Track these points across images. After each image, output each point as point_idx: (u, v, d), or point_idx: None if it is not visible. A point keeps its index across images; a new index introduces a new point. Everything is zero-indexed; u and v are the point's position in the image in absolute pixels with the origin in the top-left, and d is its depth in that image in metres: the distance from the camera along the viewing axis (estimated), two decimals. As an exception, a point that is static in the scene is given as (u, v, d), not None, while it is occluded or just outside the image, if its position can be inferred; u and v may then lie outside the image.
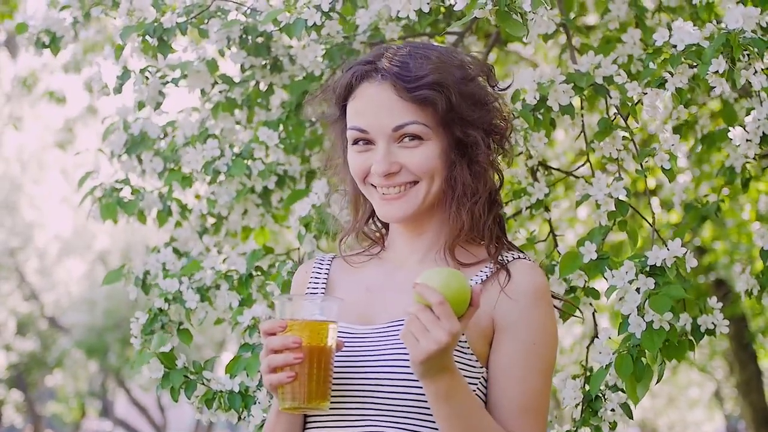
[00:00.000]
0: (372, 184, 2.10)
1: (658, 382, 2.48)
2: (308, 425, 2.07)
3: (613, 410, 2.48)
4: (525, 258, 2.10)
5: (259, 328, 1.96)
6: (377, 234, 2.22)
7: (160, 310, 2.88)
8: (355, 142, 2.09)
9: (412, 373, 1.95)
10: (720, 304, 2.60)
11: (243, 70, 3.04)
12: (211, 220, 3.25)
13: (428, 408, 1.97)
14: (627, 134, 2.68)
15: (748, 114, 2.82)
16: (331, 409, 1.99)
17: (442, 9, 2.75)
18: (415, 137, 2.06)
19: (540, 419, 2.01)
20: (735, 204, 6.15)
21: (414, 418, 1.99)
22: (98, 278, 16.94)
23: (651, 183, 5.75)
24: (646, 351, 2.41)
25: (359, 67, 2.09)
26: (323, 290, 2.16)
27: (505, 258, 2.09)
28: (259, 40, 2.97)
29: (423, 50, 2.10)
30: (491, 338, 2.03)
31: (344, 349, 2.02)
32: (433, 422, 1.98)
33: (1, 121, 12.92)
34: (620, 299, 2.43)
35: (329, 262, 2.22)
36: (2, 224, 16.35)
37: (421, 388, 1.95)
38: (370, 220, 2.22)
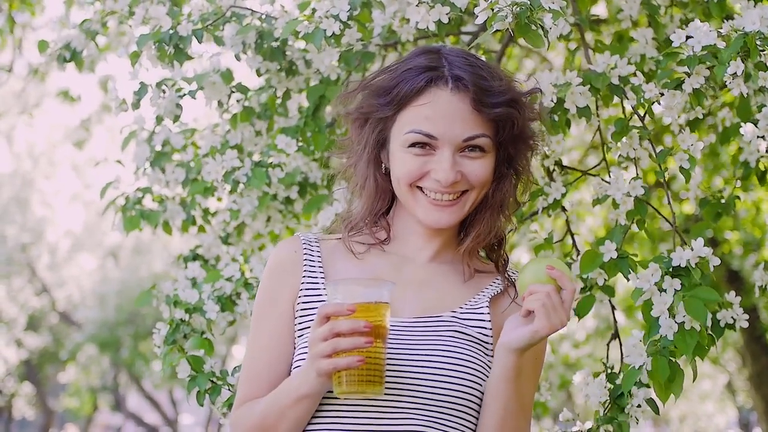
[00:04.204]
0: (419, 187, 2.11)
1: (694, 380, 2.51)
2: (337, 415, 2.04)
3: (639, 406, 2.50)
4: None
5: (319, 311, 1.93)
6: (384, 225, 2.21)
7: (182, 320, 2.89)
8: (413, 145, 2.10)
9: (456, 372, 2.03)
10: (738, 298, 2.61)
11: (259, 74, 3.05)
12: (233, 224, 3.26)
13: (469, 407, 2.04)
14: (643, 133, 2.68)
15: (760, 110, 2.83)
16: (368, 399, 2.00)
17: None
18: (479, 149, 2.10)
19: (530, 419, 2.13)
20: (747, 194, 6.14)
21: (455, 416, 2.03)
22: (109, 273, 17.01)
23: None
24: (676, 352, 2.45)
25: (428, 73, 2.09)
26: (321, 275, 2.15)
27: (512, 276, 2.20)
28: (275, 44, 2.98)
29: (484, 62, 2.14)
30: None
31: None
32: (473, 421, 2.05)
33: (13, 115, 12.96)
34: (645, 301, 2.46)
35: (317, 245, 2.21)
36: (14, 220, 16.42)
37: (463, 386, 2.03)
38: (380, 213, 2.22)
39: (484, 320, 2.11)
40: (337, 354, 1.90)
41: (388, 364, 1.98)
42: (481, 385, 2.05)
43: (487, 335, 2.10)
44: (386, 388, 1.98)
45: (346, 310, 1.90)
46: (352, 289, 1.94)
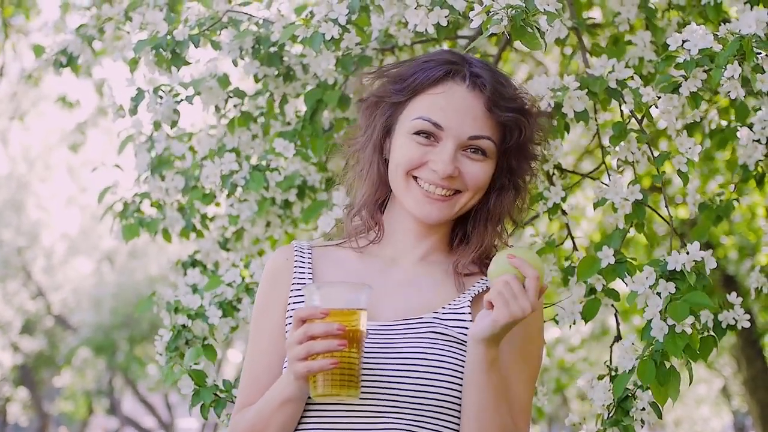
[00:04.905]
0: (415, 177, 2.12)
1: (690, 383, 2.50)
2: (318, 421, 2.05)
3: (644, 409, 2.50)
4: None
5: (295, 315, 1.95)
6: (378, 219, 2.22)
7: (184, 326, 2.88)
8: (418, 132, 2.12)
9: (431, 373, 2.02)
10: (740, 299, 2.62)
11: (256, 80, 3.04)
12: (232, 229, 3.25)
13: (446, 407, 2.03)
14: (641, 137, 2.69)
15: (755, 113, 2.83)
16: (347, 404, 2.01)
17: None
18: (482, 152, 2.12)
19: (527, 419, 2.12)
20: (742, 199, 6.14)
21: (433, 417, 2.03)
22: (105, 277, 17.00)
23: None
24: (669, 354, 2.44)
25: (448, 66, 2.12)
26: (310, 280, 2.17)
27: None
28: (272, 49, 2.98)
29: (503, 73, 2.18)
30: None
31: None
32: (454, 421, 2.04)
33: (6, 119, 12.96)
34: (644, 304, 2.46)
35: (309, 252, 2.22)
36: (9, 223, 16.41)
37: (443, 389, 2.02)
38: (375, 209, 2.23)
39: (465, 320, 2.11)
40: (312, 357, 1.91)
41: (367, 368, 1.99)
42: (460, 385, 2.05)
43: (467, 335, 2.09)
44: (366, 392, 1.99)
45: (319, 313, 1.92)
46: (328, 293, 1.96)
